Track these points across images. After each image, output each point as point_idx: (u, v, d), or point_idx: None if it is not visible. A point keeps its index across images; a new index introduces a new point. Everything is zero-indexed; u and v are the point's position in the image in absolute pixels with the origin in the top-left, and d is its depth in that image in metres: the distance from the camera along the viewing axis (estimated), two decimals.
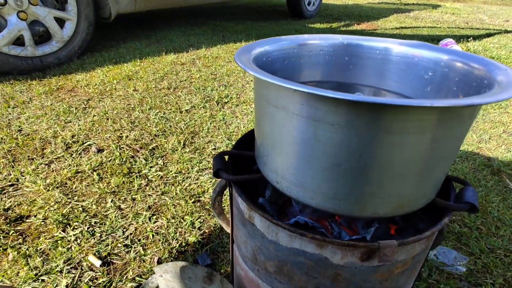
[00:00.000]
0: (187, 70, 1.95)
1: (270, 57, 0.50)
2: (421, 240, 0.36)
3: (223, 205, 0.66)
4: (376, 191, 0.34)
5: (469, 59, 0.42)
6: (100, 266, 0.72)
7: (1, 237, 0.78)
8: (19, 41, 1.74)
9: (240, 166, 0.53)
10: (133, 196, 0.96)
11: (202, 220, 0.88)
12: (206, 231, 0.85)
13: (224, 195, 0.94)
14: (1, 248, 0.76)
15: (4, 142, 1.16)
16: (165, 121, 1.41)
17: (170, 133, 1.32)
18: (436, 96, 0.47)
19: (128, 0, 2.22)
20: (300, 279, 0.40)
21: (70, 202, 0.92)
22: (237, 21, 3.40)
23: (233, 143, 1.33)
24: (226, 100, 1.63)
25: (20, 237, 0.79)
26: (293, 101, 0.33)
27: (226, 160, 0.50)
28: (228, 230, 0.57)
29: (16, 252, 0.75)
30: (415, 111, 0.28)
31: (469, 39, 2.80)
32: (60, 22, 1.88)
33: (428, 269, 0.73)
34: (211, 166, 1.14)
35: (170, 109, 1.51)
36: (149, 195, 0.97)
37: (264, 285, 0.46)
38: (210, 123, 1.42)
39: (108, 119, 1.39)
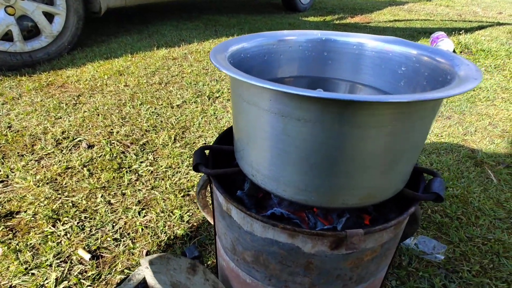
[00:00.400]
0: (178, 65, 1.95)
1: (249, 53, 0.51)
2: (387, 228, 0.38)
3: (207, 199, 0.68)
4: (344, 182, 0.35)
5: (435, 54, 0.43)
6: (90, 259, 0.74)
7: None
8: (7, 37, 1.73)
9: (220, 160, 0.54)
10: (123, 191, 0.97)
11: (191, 214, 0.90)
12: (195, 224, 0.87)
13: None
14: None
15: None
16: (156, 116, 1.42)
17: (161, 128, 1.33)
18: (408, 89, 0.48)
19: None
20: (275, 267, 0.42)
21: (60, 198, 0.93)
22: (230, 15, 3.37)
23: None
24: (218, 95, 1.64)
25: (10, 232, 0.80)
26: (262, 97, 0.34)
27: (207, 154, 0.51)
28: (212, 222, 0.59)
29: (6, 247, 0.76)
30: (374, 106, 0.29)
31: (460, 32, 2.81)
32: (49, 16, 1.86)
33: (409, 257, 0.75)
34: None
35: (161, 104, 1.51)
36: (139, 189, 0.99)
37: (243, 274, 0.48)
38: (201, 118, 1.42)
39: (98, 115, 1.39)
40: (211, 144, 1.26)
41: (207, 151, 0.52)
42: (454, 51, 2.31)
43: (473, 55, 2.31)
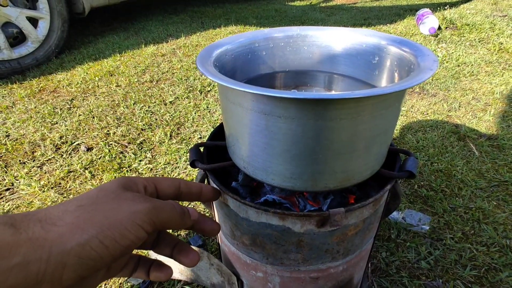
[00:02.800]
0: (168, 61, 1.96)
1: (233, 54, 0.54)
2: (366, 206, 0.43)
3: None
4: (323, 169, 0.40)
5: (402, 44, 0.47)
6: None
7: None
8: None
9: (215, 155, 0.58)
10: None
11: (192, 206, 0.95)
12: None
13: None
14: None
15: None
16: (151, 114, 1.45)
17: (156, 126, 1.36)
18: (381, 78, 0.53)
19: None
20: (270, 247, 0.47)
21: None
22: (216, 5, 3.34)
23: None
24: (209, 89, 1.66)
25: None
26: (246, 99, 0.38)
27: (202, 151, 0.55)
28: (212, 212, 0.64)
29: None
30: (339, 102, 0.34)
31: (446, 7, 2.83)
32: (34, 21, 1.85)
33: (397, 230, 0.81)
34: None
35: (155, 102, 1.54)
36: None
37: (243, 256, 0.53)
38: (195, 113, 1.46)
39: (94, 117, 1.42)
40: (206, 137, 1.30)
41: (201, 148, 0.56)
42: (439, 28, 2.33)
43: (458, 30, 2.34)
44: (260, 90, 0.33)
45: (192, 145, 1.23)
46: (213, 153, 0.58)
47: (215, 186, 0.49)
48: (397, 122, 0.51)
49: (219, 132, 0.61)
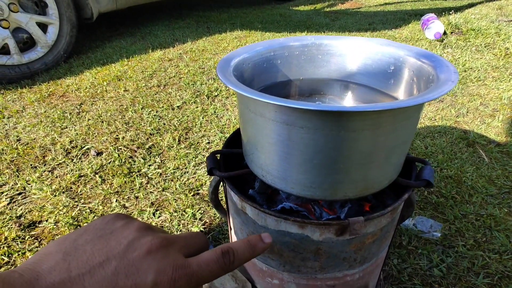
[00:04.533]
0: (175, 65, 1.98)
1: (250, 62, 0.55)
2: (384, 215, 0.43)
3: (219, 197, 0.73)
4: (344, 178, 0.40)
5: (420, 55, 0.47)
6: None
7: (19, 242, 0.84)
8: (4, 50, 1.75)
9: (230, 162, 0.59)
10: (136, 194, 1.03)
11: (202, 211, 0.95)
12: (207, 221, 0.92)
13: (220, 188, 1.01)
14: (20, 252, 0.82)
15: (5, 153, 1.21)
16: (159, 119, 1.46)
17: (164, 130, 1.37)
18: (397, 87, 0.53)
19: None
20: (288, 255, 0.48)
21: (77, 205, 0.98)
22: (221, 10, 3.37)
23: (226, 135, 1.39)
24: (216, 93, 1.68)
25: (35, 241, 0.86)
26: (268, 109, 0.39)
27: (218, 158, 0.56)
28: (226, 219, 0.64)
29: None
30: (362, 114, 0.34)
31: (450, 12, 2.83)
32: (43, 27, 1.88)
33: (408, 237, 0.81)
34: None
35: (162, 106, 1.55)
36: (150, 192, 1.04)
37: (259, 263, 0.53)
38: (202, 118, 1.47)
39: (102, 121, 1.43)
40: (214, 142, 1.31)
41: (218, 155, 0.57)
42: (445, 33, 2.34)
43: (464, 35, 2.34)
44: (284, 102, 0.34)
45: (201, 150, 1.24)
46: (229, 160, 0.59)
47: (232, 193, 0.50)
48: (415, 131, 0.51)
49: (234, 139, 0.61)
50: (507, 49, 2.05)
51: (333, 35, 0.60)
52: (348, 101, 0.61)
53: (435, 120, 1.32)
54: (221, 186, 0.92)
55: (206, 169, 1.19)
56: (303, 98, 0.63)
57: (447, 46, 2.16)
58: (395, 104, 0.32)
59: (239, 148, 0.57)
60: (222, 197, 0.97)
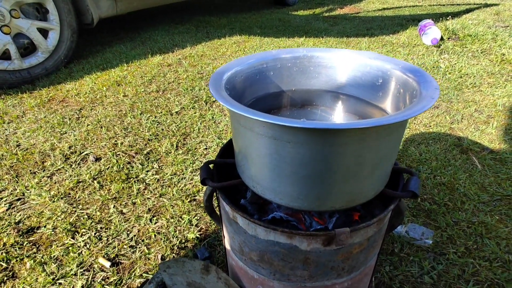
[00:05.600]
0: (174, 71, 2.00)
1: (243, 75, 0.57)
2: (370, 226, 0.44)
3: (214, 205, 0.75)
4: (330, 190, 0.42)
5: (406, 69, 0.49)
6: (110, 266, 0.81)
7: (17, 248, 0.86)
8: (5, 55, 1.77)
9: (224, 172, 0.60)
10: (133, 200, 1.04)
11: (198, 218, 0.97)
12: (203, 227, 0.94)
13: (214, 196, 1.02)
14: (18, 258, 0.83)
15: (5, 159, 1.22)
16: (157, 124, 1.47)
17: (162, 136, 1.39)
18: (385, 99, 0.55)
19: (108, 4, 2.23)
20: (278, 264, 0.49)
21: (75, 211, 0.99)
22: (221, 14, 3.40)
23: (223, 141, 1.40)
24: (214, 99, 1.69)
25: (33, 247, 0.87)
26: (257, 124, 0.40)
27: (212, 168, 0.58)
28: (219, 226, 0.66)
29: (32, 260, 0.83)
30: (345, 130, 0.36)
31: (448, 18, 2.86)
32: (44, 32, 1.90)
33: (400, 244, 0.83)
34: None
35: (161, 112, 1.57)
36: (148, 198, 1.05)
37: (251, 271, 0.55)
38: (200, 123, 1.48)
39: (101, 127, 1.45)
40: (212, 148, 1.33)
41: (211, 165, 0.58)
42: (442, 38, 2.36)
43: (461, 40, 2.36)
44: (270, 118, 0.35)
45: (199, 155, 1.25)
46: (222, 169, 0.60)
47: (225, 203, 0.51)
48: (400, 145, 0.53)
49: (227, 149, 0.63)
50: (503, 55, 2.07)
51: (324, 48, 0.62)
52: (339, 112, 0.62)
53: (430, 126, 1.34)
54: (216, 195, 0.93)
55: None
56: (295, 108, 0.65)
57: (444, 51, 2.18)
58: (377, 122, 0.34)
59: (232, 157, 0.58)
60: (217, 204, 0.99)
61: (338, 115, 0.62)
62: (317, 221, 0.53)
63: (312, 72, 0.63)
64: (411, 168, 1.11)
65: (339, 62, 0.60)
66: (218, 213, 0.65)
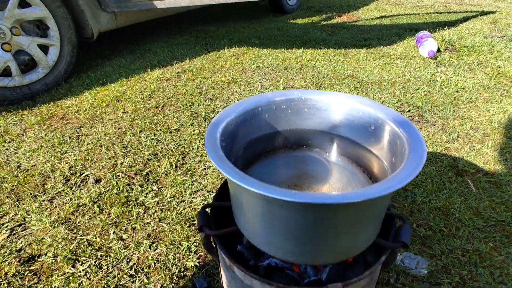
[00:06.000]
0: (173, 85, 2.01)
1: (238, 121, 0.58)
2: (362, 279, 0.46)
3: (212, 243, 0.76)
4: (323, 248, 0.43)
5: (398, 122, 0.51)
6: None
7: (18, 279, 0.87)
8: (5, 72, 1.79)
9: (221, 216, 0.62)
10: (133, 225, 1.05)
11: (197, 244, 0.98)
12: (202, 254, 0.95)
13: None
14: None
15: (6, 181, 1.24)
16: (156, 143, 1.49)
17: (162, 155, 1.40)
18: (377, 146, 0.56)
19: (108, 18, 2.25)
20: None
21: (76, 237, 1.01)
22: (219, 24, 3.42)
23: None
24: (213, 115, 1.71)
25: (35, 276, 0.88)
26: None
27: (209, 212, 0.59)
28: (219, 268, 0.67)
29: None
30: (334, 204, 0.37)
31: (444, 28, 2.88)
32: (44, 48, 1.92)
33: (396, 273, 0.84)
34: (203, 187, 1.23)
35: (160, 129, 1.59)
36: (147, 222, 1.07)
37: None
38: (199, 141, 1.50)
39: (101, 146, 1.46)
40: (211, 168, 1.34)
41: (208, 209, 0.59)
42: (438, 50, 2.38)
43: (457, 52, 2.38)
44: (263, 190, 0.37)
45: (198, 176, 1.25)
46: (220, 212, 0.62)
47: (222, 253, 0.53)
48: (389, 202, 0.54)
49: (225, 189, 0.64)
50: (499, 67, 2.08)
51: (317, 90, 0.63)
52: (333, 154, 0.64)
53: (426, 145, 1.35)
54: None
55: (202, 197, 1.21)
56: (290, 150, 0.66)
57: (441, 64, 2.20)
58: (365, 196, 0.35)
59: (229, 199, 0.60)
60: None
61: (332, 157, 0.63)
62: (312, 269, 0.55)
63: (306, 114, 0.64)
64: (407, 190, 1.12)
65: (332, 105, 0.62)
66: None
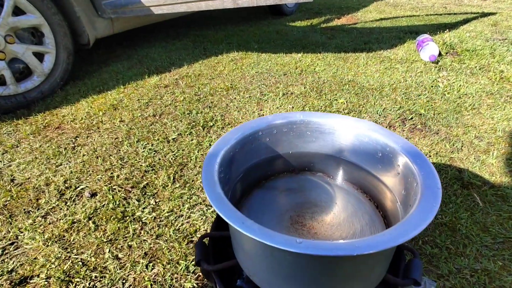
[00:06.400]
0: (171, 92, 1.98)
1: (237, 148, 0.55)
2: None
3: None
4: None
5: (406, 150, 0.47)
6: None
7: None
8: (0, 81, 1.75)
9: (220, 246, 0.59)
10: (129, 243, 1.02)
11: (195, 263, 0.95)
12: (200, 274, 0.92)
13: None
14: None
15: None
16: (154, 153, 1.46)
17: (159, 167, 1.37)
18: (385, 173, 0.53)
19: (105, 24, 2.22)
20: None
21: (69, 257, 0.97)
22: (218, 28, 3.39)
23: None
24: (212, 124, 1.68)
25: None
26: None
27: (207, 244, 0.56)
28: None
29: None
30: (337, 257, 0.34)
31: (445, 30, 2.85)
32: (39, 56, 1.88)
33: None
34: (201, 201, 1.20)
35: (158, 139, 1.55)
36: (144, 240, 1.03)
37: None
38: (198, 151, 1.46)
39: (97, 157, 1.43)
40: None
41: (206, 239, 0.56)
42: (440, 54, 2.35)
43: (459, 55, 2.35)
44: (267, 239, 0.34)
45: (196, 189, 1.22)
46: (217, 243, 0.59)
47: None
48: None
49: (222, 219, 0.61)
50: (502, 72, 2.06)
51: (320, 112, 0.60)
52: (338, 180, 0.61)
53: (430, 156, 1.32)
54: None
55: (200, 212, 1.17)
56: (293, 174, 0.63)
57: (442, 69, 2.17)
58: (371, 249, 0.32)
59: (227, 228, 0.57)
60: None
61: (336, 182, 0.60)
62: None
63: (309, 137, 0.61)
64: None
65: (337, 129, 0.59)
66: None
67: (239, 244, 0.45)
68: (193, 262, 0.95)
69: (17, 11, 1.76)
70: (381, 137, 0.52)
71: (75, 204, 1.18)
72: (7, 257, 0.97)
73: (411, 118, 1.62)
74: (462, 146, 1.37)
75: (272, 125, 0.59)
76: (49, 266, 0.94)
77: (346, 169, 0.60)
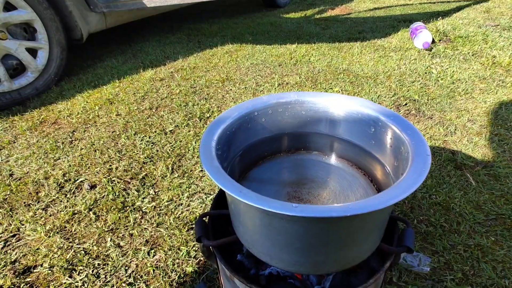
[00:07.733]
0: (166, 86, 1.98)
1: (234, 127, 0.56)
2: (367, 287, 0.45)
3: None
4: (324, 259, 0.42)
5: (401, 125, 0.49)
6: None
7: None
8: None
9: (220, 223, 0.60)
10: (131, 232, 1.04)
11: (196, 249, 0.96)
12: (201, 259, 0.94)
13: None
14: None
15: None
16: (152, 145, 1.46)
17: (157, 158, 1.38)
18: (378, 148, 0.55)
19: (98, 19, 2.20)
20: None
21: (72, 246, 0.99)
22: (212, 21, 3.37)
23: None
24: (208, 115, 1.68)
25: None
26: None
27: (207, 221, 0.57)
28: (219, 274, 0.65)
29: None
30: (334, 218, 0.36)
31: (438, 18, 2.86)
32: (33, 51, 1.87)
33: (399, 272, 0.83)
34: (200, 189, 1.21)
35: (155, 131, 1.56)
36: (145, 228, 1.05)
37: None
38: (195, 143, 1.47)
39: (95, 150, 1.44)
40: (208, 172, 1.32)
41: (206, 218, 0.58)
42: (433, 41, 2.36)
43: (452, 42, 2.37)
44: (263, 204, 0.35)
45: (195, 179, 1.24)
46: (218, 220, 0.60)
47: (222, 264, 0.51)
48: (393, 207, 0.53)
49: (221, 196, 0.63)
50: (494, 57, 2.08)
51: (314, 92, 0.62)
52: (333, 158, 0.62)
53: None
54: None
55: (199, 200, 1.19)
56: (289, 153, 0.65)
57: (436, 55, 2.19)
58: (366, 208, 0.34)
59: (227, 208, 0.58)
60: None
61: (331, 160, 0.62)
62: (315, 275, 0.53)
63: (304, 116, 0.63)
64: None
65: (330, 107, 0.60)
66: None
67: (238, 217, 0.46)
68: (194, 248, 0.97)
69: (8, 7, 1.74)
70: (372, 112, 0.54)
71: (75, 196, 1.19)
72: (10, 249, 0.99)
73: (406, 104, 1.64)
74: (455, 130, 1.39)
75: (268, 105, 0.61)
76: (52, 255, 0.96)
77: (341, 147, 0.61)
